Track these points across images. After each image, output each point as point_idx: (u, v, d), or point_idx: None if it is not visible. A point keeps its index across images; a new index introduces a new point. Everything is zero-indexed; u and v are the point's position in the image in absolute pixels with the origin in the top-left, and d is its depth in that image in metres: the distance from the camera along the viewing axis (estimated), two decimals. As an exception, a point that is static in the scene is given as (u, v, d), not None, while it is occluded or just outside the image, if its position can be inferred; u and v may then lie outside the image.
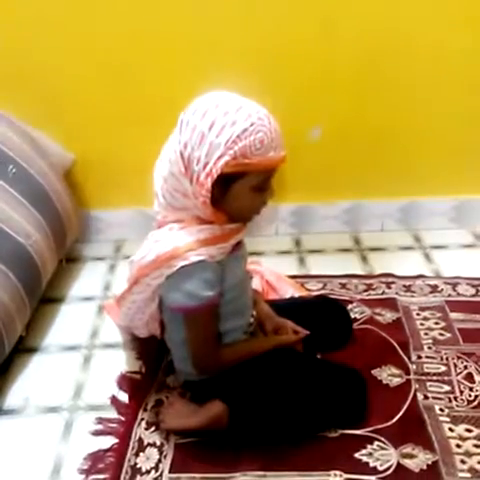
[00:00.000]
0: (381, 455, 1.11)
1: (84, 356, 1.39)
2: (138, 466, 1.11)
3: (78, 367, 1.36)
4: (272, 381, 1.15)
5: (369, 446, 1.13)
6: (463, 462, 1.10)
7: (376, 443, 1.13)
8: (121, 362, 1.36)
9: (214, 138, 0.94)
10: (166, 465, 1.11)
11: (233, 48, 1.56)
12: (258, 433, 1.14)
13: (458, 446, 1.13)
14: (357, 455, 1.11)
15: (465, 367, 1.30)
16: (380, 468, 1.09)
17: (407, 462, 1.10)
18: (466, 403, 1.22)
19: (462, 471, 1.08)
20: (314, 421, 1.15)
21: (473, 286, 1.56)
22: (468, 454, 1.11)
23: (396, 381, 1.27)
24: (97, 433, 1.19)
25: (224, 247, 1.04)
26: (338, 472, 1.08)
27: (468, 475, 1.07)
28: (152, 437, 1.16)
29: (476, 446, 1.12)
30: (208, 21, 1.53)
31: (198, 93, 1.56)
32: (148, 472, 1.10)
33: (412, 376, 1.28)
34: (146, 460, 1.12)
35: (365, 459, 1.11)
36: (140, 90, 1.62)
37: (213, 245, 1.01)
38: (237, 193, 0.99)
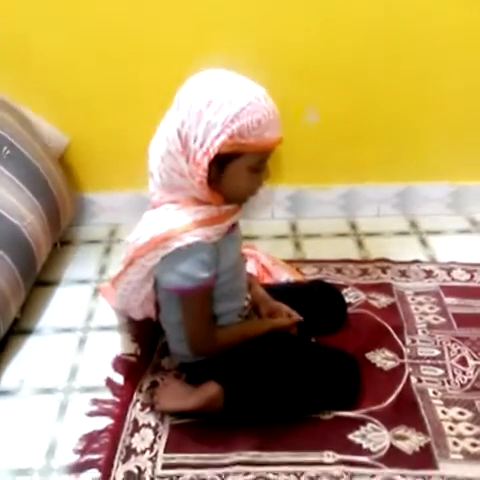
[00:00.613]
0: (374, 437, 1.12)
1: (79, 338, 1.39)
2: (133, 446, 1.11)
3: (73, 349, 1.36)
4: (267, 363, 1.15)
5: (362, 428, 1.14)
6: (456, 444, 1.11)
7: (369, 425, 1.14)
8: (116, 344, 1.36)
9: (211, 116, 0.93)
10: (161, 445, 1.11)
11: (231, 30, 1.54)
12: (253, 414, 1.14)
13: (451, 428, 1.14)
14: (350, 436, 1.12)
15: (459, 351, 1.31)
16: (373, 449, 1.10)
17: (400, 444, 1.11)
18: (459, 386, 1.23)
19: (454, 453, 1.09)
20: (308, 403, 1.16)
21: (468, 271, 1.56)
22: (460, 436, 1.12)
23: (390, 364, 1.28)
24: (92, 414, 1.19)
25: (220, 228, 1.03)
26: (331, 453, 1.09)
27: (460, 457, 1.08)
28: (147, 418, 1.17)
29: (468, 428, 1.14)
30: (206, 2, 1.52)
31: (194, 74, 1.58)
32: (143, 452, 1.10)
33: (406, 360, 1.29)
34: (141, 441, 1.13)
35: (358, 440, 1.12)
36: (135, 73, 1.60)
37: (209, 226, 1.01)
38: (233, 173, 0.99)
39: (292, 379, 1.15)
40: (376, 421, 1.15)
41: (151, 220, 1.04)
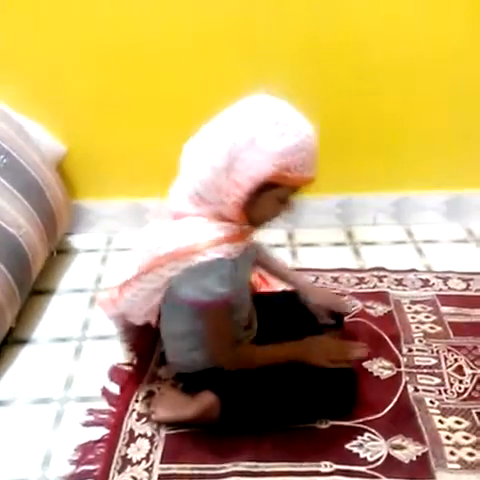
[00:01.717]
0: (371, 446, 1.12)
1: (75, 348, 1.39)
2: (129, 457, 1.11)
3: (69, 359, 1.35)
4: (263, 372, 1.15)
5: (359, 437, 1.13)
6: (453, 454, 1.10)
7: (366, 434, 1.14)
8: (112, 354, 1.35)
9: (264, 146, 0.95)
10: (157, 456, 1.11)
11: (226, 37, 1.55)
12: (249, 424, 1.14)
13: (448, 438, 1.13)
14: (347, 446, 1.12)
15: (455, 360, 1.31)
16: (370, 459, 1.09)
17: (397, 453, 1.11)
18: (456, 396, 1.23)
19: (451, 462, 1.09)
20: (304, 412, 1.16)
21: (464, 280, 1.57)
22: (458, 446, 1.12)
23: (387, 373, 1.28)
24: (88, 424, 1.19)
25: (240, 246, 1.05)
26: (328, 463, 1.09)
27: (457, 466, 1.08)
28: (143, 428, 1.16)
29: (465, 438, 1.13)
30: (202, 14, 1.53)
31: (187, 82, 1.59)
32: (139, 463, 1.09)
33: (403, 368, 1.29)
34: (137, 451, 1.12)
35: (355, 450, 1.11)
36: (132, 82, 1.61)
37: (231, 243, 1.02)
38: (265, 201, 1.01)
39: (289, 388, 1.15)
40: (373, 430, 1.15)
41: (175, 231, 1.04)
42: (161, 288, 1.09)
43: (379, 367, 1.29)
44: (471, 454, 1.10)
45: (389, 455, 1.10)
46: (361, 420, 1.17)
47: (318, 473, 1.07)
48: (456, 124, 1.69)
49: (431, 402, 1.21)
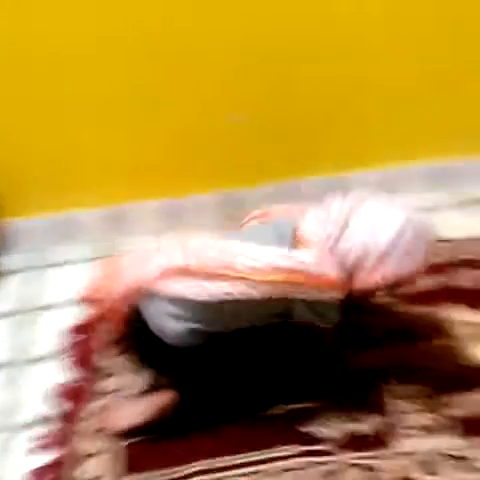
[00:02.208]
0: (332, 423, 1.11)
1: (8, 374, 1.30)
2: (85, 476, 1.05)
3: (3, 386, 1.27)
4: (218, 362, 1.12)
5: (318, 416, 1.12)
6: (411, 419, 1.11)
7: (324, 412, 1.13)
8: (51, 375, 1.27)
9: (372, 259, 1.07)
10: (112, 471, 1.06)
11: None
12: (206, 416, 1.12)
13: (405, 404, 1.14)
14: (306, 427, 1.10)
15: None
16: (330, 436, 1.08)
17: (358, 427, 1.10)
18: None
19: (410, 428, 1.09)
20: (262, 398, 1.15)
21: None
22: (415, 411, 1.12)
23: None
24: (35, 450, 1.12)
25: None
26: (288, 447, 1.07)
27: (416, 431, 1.08)
28: (94, 446, 1.10)
29: (424, 403, 1.14)
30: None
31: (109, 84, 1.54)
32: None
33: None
34: (90, 470, 1.06)
35: (314, 430, 1.10)
36: (46, 94, 1.55)
37: None
38: None
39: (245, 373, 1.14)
40: (330, 407, 1.14)
41: None
42: None
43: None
44: (430, 418, 1.10)
45: (349, 430, 1.09)
46: (319, 399, 1.15)
47: (279, 458, 1.05)
48: (392, 102, 1.71)
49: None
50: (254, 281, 1.04)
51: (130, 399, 1.17)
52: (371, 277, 1.08)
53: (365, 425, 1.10)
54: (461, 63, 1.69)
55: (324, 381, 1.18)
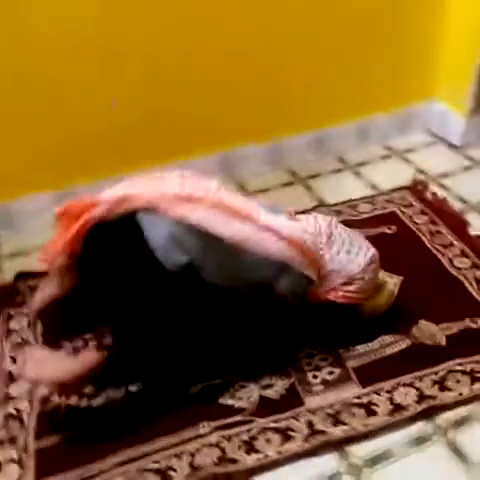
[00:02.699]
0: (243, 394, 1.16)
1: None
2: (-2, 486, 1.02)
3: None
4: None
5: (231, 388, 1.16)
6: (315, 377, 1.19)
7: (237, 384, 1.17)
8: None
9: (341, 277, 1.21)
10: (29, 477, 1.03)
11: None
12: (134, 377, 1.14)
13: (308, 364, 1.21)
14: (221, 401, 1.14)
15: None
16: (244, 406, 1.13)
17: (268, 392, 1.16)
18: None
19: (316, 385, 1.17)
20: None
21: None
22: (318, 368, 1.20)
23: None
24: None
25: None
26: (206, 422, 1.10)
27: (321, 387, 1.17)
28: (8, 453, 1.07)
29: (323, 359, 1.22)
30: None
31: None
32: (11, 490, 1.01)
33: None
34: (5, 478, 1.03)
35: (229, 402, 1.14)
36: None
37: None
38: None
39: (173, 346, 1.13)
40: (242, 378, 1.18)
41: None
42: None
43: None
44: (331, 372, 1.19)
45: (261, 396, 1.15)
46: (229, 372, 1.19)
47: (199, 436, 1.08)
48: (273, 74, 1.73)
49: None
50: (269, 233, 1.14)
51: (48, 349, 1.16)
52: (335, 291, 1.21)
53: (277, 388, 1.16)
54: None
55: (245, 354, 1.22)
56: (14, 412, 1.14)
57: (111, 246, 1.13)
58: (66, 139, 1.59)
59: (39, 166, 1.60)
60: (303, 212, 1.38)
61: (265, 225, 1.16)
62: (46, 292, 1.25)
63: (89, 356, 1.08)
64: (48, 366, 1.07)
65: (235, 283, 1.16)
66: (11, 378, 1.21)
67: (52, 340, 1.27)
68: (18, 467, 1.05)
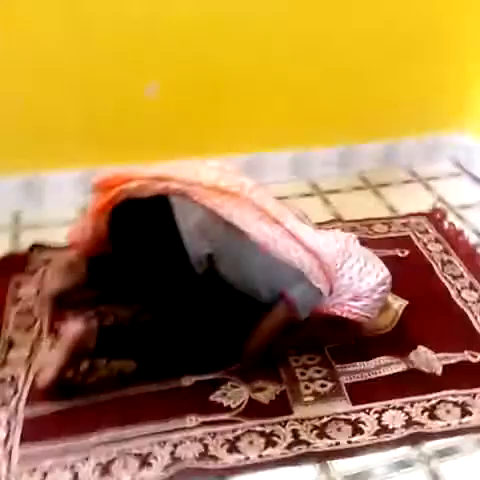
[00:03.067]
0: (233, 394, 1.16)
1: None
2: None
3: None
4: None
5: (222, 387, 1.17)
6: (307, 387, 1.19)
7: (229, 383, 1.18)
8: None
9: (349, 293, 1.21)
10: (15, 440, 1.05)
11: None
12: (124, 354, 1.17)
13: (302, 374, 1.22)
14: (211, 398, 1.15)
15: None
16: (233, 406, 1.14)
17: (258, 396, 1.16)
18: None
19: (306, 396, 1.17)
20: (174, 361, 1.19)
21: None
22: (311, 380, 1.21)
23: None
24: None
25: None
26: (193, 416, 1.11)
27: (312, 398, 1.17)
28: (-3, 416, 1.10)
29: (317, 372, 1.22)
30: None
31: None
32: (-5, 451, 1.04)
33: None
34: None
35: (219, 400, 1.15)
36: None
37: None
38: None
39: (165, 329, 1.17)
40: (235, 378, 1.19)
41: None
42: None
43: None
44: (323, 385, 1.19)
45: (250, 399, 1.16)
46: (223, 371, 1.20)
47: (184, 428, 1.09)
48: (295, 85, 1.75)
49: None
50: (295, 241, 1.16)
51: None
52: (341, 306, 1.22)
53: (267, 393, 1.17)
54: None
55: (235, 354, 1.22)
56: (9, 378, 1.16)
57: (141, 221, 1.17)
58: (99, 121, 1.62)
59: (69, 143, 1.63)
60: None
61: (290, 232, 1.18)
62: (55, 284, 1.31)
63: (72, 326, 1.11)
64: (50, 364, 1.12)
65: (245, 283, 1.18)
66: (11, 344, 1.23)
67: (56, 316, 1.30)
68: (6, 430, 1.07)
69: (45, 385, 1.11)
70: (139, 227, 1.16)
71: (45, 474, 1.01)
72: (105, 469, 1.02)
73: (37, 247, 1.49)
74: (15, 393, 1.13)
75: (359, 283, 1.22)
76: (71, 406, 1.11)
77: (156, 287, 1.17)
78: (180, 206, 1.15)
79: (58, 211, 1.62)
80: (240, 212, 1.16)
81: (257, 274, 1.18)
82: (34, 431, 1.07)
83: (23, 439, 1.06)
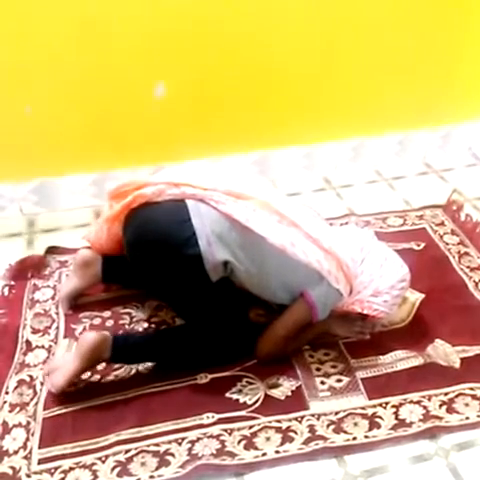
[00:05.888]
0: (249, 390, 1.17)
1: None
2: (4, 448, 1.06)
3: None
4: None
5: (238, 383, 1.18)
6: (323, 383, 1.19)
7: (245, 380, 1.18)
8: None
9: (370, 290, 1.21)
10: (35, 442, 1.07)
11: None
12: (140, 361, 1.18)
13: (318, 369, 1.22)
14: (227, 394, 1.16)
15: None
16: (249, 402, 1.14)
17: (274, 392, 1.17)
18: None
19: (322, 391, 1.17)
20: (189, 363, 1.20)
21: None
22: (327, 375, 1.20)
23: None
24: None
25: None
26: (210, 414, 1.12)
27: (328, 394, 1.17)
28: (17, 418, 1.11)
29: (333, 367, 1.22)
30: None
31: None
32: (16, 452, 1.05)
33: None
34: (13, 441, 1.07)
35: (235, 397, 1.15)
36: None
37: None
38: None
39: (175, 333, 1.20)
40: (251, 375, 1.19)
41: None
42: None
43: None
44: (339, 380, 1.19)
45: (266, 395, 1.16)
46: (239, 368, 1.20)
47: (201, 426, 1.10)
48: (311, 80, 1.74)
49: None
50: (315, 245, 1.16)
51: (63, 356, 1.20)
52: (360, 302, 1.22)
53: (283, 389, 1.17)
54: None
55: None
56: (28, 379, 1.18)
57: (157, 224, 1.17)
58: (110, 126, 1.63)
59: (83, 149, 1.64)
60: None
61: (308, 233, 1.17)
62: (71, 283, 1.33)
63: (87, 336, 1.12)
64: (63, 371, 1.13)
65: (262, 286, 1.19)
66: (29, 347, 1.25)
67: (73, 317, 1.32)
68: (25, 431, 1.09)
69: (56, 390, 1.13)
70: (154, 233, 1.16)
71: (65, 473, 1.02)
72: (124, 467, 1.03)
73: (52, 250, 1.51)
74: (34, 394, 1.15)
75: (379, 279, 1.21)
76: (89, 406, 1.12)
77: (170, 292, 1.19)
78: (196, 210, 1.14)
79: (72, 214, 1.64)
80: (257, 216, 1.15)
81: (275, 277, 1.18)
82: (53, 431, 1.09)
83: (42, 439, 1.08)
